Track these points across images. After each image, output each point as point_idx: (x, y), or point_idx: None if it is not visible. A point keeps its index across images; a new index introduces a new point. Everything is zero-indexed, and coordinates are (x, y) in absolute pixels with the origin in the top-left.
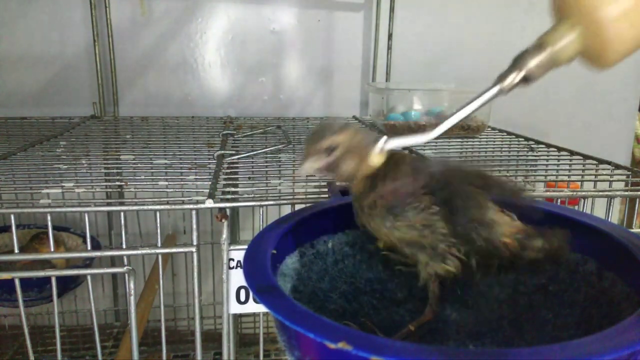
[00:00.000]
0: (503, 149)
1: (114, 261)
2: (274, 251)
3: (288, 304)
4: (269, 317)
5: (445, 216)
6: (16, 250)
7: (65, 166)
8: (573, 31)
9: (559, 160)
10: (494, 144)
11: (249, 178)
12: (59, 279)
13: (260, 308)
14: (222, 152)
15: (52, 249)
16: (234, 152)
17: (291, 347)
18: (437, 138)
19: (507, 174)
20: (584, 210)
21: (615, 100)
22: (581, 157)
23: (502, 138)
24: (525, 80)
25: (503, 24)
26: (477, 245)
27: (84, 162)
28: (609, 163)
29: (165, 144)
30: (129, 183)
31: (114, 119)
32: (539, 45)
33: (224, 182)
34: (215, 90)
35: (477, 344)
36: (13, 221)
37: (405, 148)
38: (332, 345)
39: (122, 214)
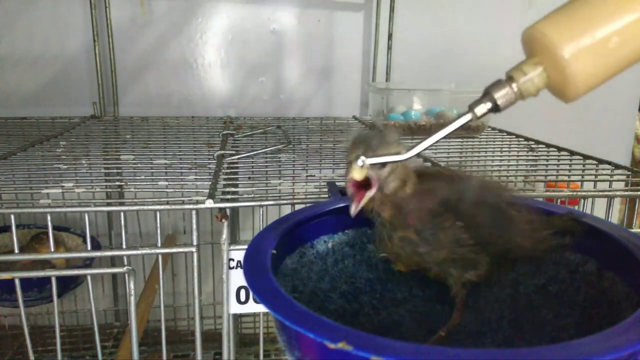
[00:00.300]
0: (503, 149)
1: (114, 261)
2: (274, 251)
3: (288, 304)
4: (269, 317)
5: (468, 226)
6: (16, 250)
7: (65, 166)
8: (537, 68)
9: (559, 160)
10: (494, 144)
11: (249, 178)
12: (59, 279)
13: (260, 308)
14: (222, 152)
15: (52, 249)
16: (234, 152)
17: (291, 347)
18: (438, 141)
19: (507, 174)
20: (584, 210)
21: (615, 100)
22: (581, 157)
23: (502, 138)
24: (495, 109)
25: (503, 24)
26: (499, 246)
27: (84, 162)
28: (609, 163)
29: (165, 144)
30: (129, 183)
31: (114, 119)
32: (508, 79)
33: (224, 182)
34: (215, 90)
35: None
36: (13, 221)
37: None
38: (332, 345)
39: (122, 214)
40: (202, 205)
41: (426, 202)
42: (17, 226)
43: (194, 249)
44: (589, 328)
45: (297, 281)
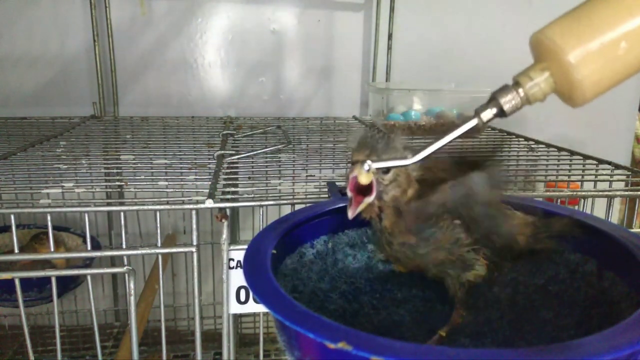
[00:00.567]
0: (503, 149)
1: (114, 261)
2: (274, 251)
3: (288, 304)
4: (269, 317)
5: (466, 226)
6: (16, 250)
7: (65, 166)
8: (544, 73)
9: (559, 160)
10: (494, 144)
11: (249, 178)
12: (59, 279)
13: (260, 308)
14: (222, 152)
15: (52, 249)
16: (234, 152)
17: (291, 347)
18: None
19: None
20: (584, 210)
21: (615, 100)
22: (581, 157)
23: (502, 138)
24: (501, 114)
25: (503, 24)
26: (497, 245)
27: (84, 162)
28: (609, 163)
29: (165, 144)
30: (129, 183)
31: (114, 119)
32: (514, 84)
33: (224, 182)
34: (215, 90)
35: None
36: (13, 221)
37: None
38: (332, 345)
39: (122, 214)
40: (202, 205)
41: (425, 209)
42: (17, 226)
43: (194, 249)
44: (589, 328)
45: (297, 281)
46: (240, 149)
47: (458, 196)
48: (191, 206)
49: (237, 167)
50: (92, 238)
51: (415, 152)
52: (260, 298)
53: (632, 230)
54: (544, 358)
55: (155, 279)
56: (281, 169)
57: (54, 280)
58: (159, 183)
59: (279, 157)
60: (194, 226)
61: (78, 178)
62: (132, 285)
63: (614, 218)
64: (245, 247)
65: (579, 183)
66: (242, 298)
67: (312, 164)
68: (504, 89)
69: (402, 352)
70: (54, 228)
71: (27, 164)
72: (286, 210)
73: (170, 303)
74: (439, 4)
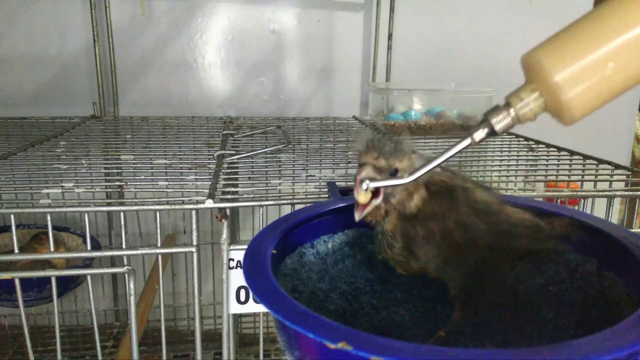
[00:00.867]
0: (503, 149)
1: (114, 261)
2: (274, 251)
3: (288, 304)
4: (269, 317)
5: (466, 226)
6: (16, 250)
7: (65, 166)
8: (533, 94)
9: (559, 160)
10: (493, 144)
11: (249, 178)
12: (59, 279)
13: (260, 308)
14: (222, 152)
15: (52, 249)
16: (234, 152)
17: (291, 347)
18: (437, 140)
19: (507, 174)
20: (584, 210)
21: (615, 101)
22: (581, 157)
23: (502, 138)
24: (492, 134)
25: (503, 24)
26: (498, 247)
27: (84, 162)
28: (609, 163)
29: (165, 144)
30: (129, 183)
31: (114, 119)
32: (505, 105)
33: (224, 182)
34: (215, 90)
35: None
36: (13, 221)
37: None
38: (332, 345)
39: (122, 214)
40: (202, 205)
41: (432, 223)
42: (17, 226)
43: (194, 249)
44: (589, 328)
45: (297, 281)
46: (240, 149)
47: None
48: (191, 206)
49: (237, 167)
50: (92, 238)
51: (422, 157)
52: (260, 298)
53: (632, 230)
54: (544, 358)
55: (155, 279)
56: (281, 169)
57: (54, 280)
58: (159, 183)
59: (279, 157)
60: (194, 226)
61: (78, 178)
62: (132, 285)
63: (614, 218)
64: (245, 247)
65: (579, 183)
66: (242, 298)
67: (312, 164)
68: (496, 110)
69: (402, 352)
70: (54, 228)
71: (27, 164)
72: (286, 210)
73: (170, 303)
74: (439, 4)
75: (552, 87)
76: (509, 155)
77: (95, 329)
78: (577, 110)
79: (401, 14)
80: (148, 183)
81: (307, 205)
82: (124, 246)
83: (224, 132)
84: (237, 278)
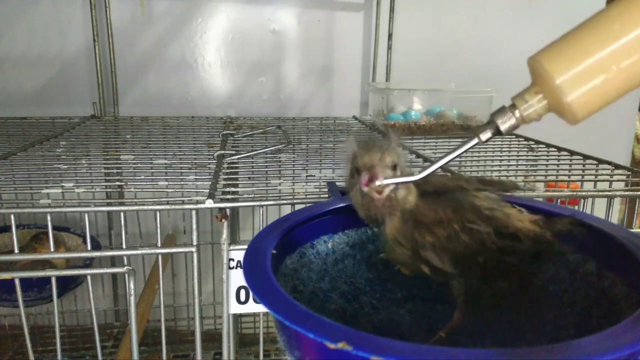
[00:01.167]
0: (503, 149)
1: (114, 261)
2: (274, 251)
3: (288, 304)
4: (269, 317)
5: (469, 229)
6: (16, 250)
7: (65, 166)
8: (537, 96)
9: (559, 160)
10: (493, 144)
11: (249, 178)
12: (59, 279)
13: (260, 308)
14: (222, 152)
15: (52, 249)
16: (234, 152)
17: (291, 347)
18: (437, 140)
19: (507, 174)
20: (584, 210)
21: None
22: (581, 157)
23: (502, 138)
24: (498, 134)
25: (503, 24)
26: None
27: (84, 162)
28: (609, 163)
29: (165, 144)
30: (129, 183)
31: (114, 119)
32: (511, 106)
33: (224, 182)
34: (215, 90)
35: (477, 344)
36: (13, 221)
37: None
38: (332, 345)
39: (122, 214)
40: (202, 205)
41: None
42: (17, 226)
43: (194, 249)
44: (589, 328)
45: (297, 281)
46: (240, 149)
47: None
48: (191, 206)
49: (237, 167)
50: (92, 238)
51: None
52: (260, 298)
53: (632, 230)
54: (544, 358)
55: (155, 279)
56: (281, 169)
57: (54, 280)
58: (159, 183)
59: (279, 157)
60: (194, 226)
61: (78, 178)
62: (132, 285)
63: (614, 218)
64: (245, 247)
65: (579, 183)
66: (242, 298)
67: (312, 164)
68: (501, 111)
69: (402, 352)
70: (54, 228)
71: (27, 164)
72: (286, 210)
73: (170, 303)
74: (439, 4)
75: (554, 90)
76: (509, 155)
77: (95, 329)
78: (579, 111)
79: (401, 14)
80: (148, 183)
81: (307, 205)
82: (124, 246)
83: (224, 132)
84: (237, 278)
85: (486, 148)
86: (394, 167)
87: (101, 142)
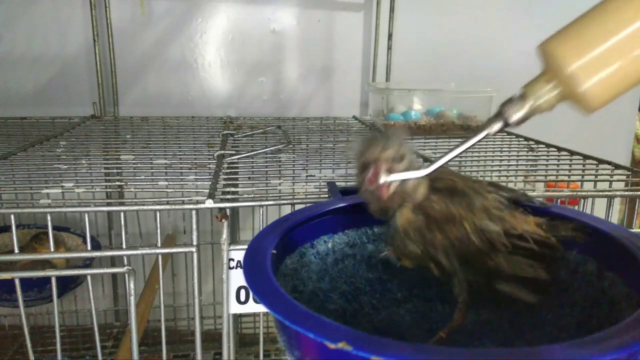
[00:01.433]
0: (503, 149)
1: (114, 261)
2: (274, 251)
3: (288, 304)
4: (269, 317)
5: (476, 229)
6: (16, 250)
7: (65, 166)
8: (549, 84)
9: (559, 160)
10: (493, 144)
11: (249, 178)
12: (59, 279)
13: (260, 308)
14: (222, 152)
15: (52, 249)
16: (234, 152)
17: (291, 347)
18: (437, 140)
19: (507, 174)
20: (584, 210)
21: (616, 101)
22: (581, 157)
23: (502, 138)
24: (508, 126)
25: (503, 24)
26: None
27: (84, 162)
28: (609, 163)
29: (165, 144)
30: (129, 183)
31: (114, 119)
32: (522, 96)
33: (224, 182)
34: (215, 90)
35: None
36: (13, 221)
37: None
38: (332, 345)
39: (122, 214)
40: (202, 205)
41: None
42: (17, 226)
43: (194, 249)
44: (589, 328)
45: (297, 281)
46: (240, 149)
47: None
48: (191, 206)
49: (237, 167)
50: (92, 238)
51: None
52: (260, 298)
53: (632, 230)
54: (544, 358)
55: (155, 279)
56: (281, 169)
57: (54, 280)
58: (159, 183)
59: (279, 157)
60: (194, 226)
61: (78, 178)
62: (132, 285)
63: (614, 218)
64: (245, 247)
65: (579, 183)
66: (242, 298)
67: (312, 164)
68: (510, 101)
69: (402, 352)
70: (54, 228)
71: (27, 164)
72: (286, 210)
73: (170, 303)
74: (439, 4)
75: (567, 78)
76: (509, 155)
77: (95, 329)
78: (594, 100)
79: (401, 14)
80: (148, 183)
81: (307, 205)
82: (124, 246)
83: (224, 132)
84: (237, 278)
85: (486, 148)
86: (401, 159)
87: (101, 142)
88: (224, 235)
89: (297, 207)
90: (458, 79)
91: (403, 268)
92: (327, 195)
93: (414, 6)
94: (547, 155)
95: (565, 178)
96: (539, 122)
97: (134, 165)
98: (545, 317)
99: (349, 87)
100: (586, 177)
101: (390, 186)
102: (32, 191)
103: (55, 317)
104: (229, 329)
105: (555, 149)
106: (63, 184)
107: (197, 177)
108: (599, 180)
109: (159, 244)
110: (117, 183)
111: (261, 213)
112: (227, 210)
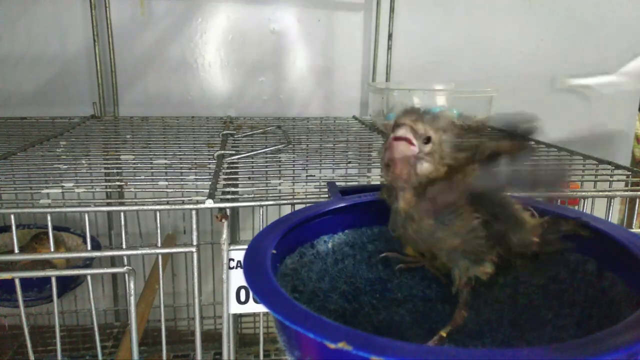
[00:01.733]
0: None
1: (114, 261)
2: (274, 251)
3: (288, 304)
4: (269, 317)
5: (484, 221)
6: (16, 250)
7: (65, 166)
8: None
9: (559, 160)
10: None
11: (249, 178)
12: (59, 279)
13: (260, 308)
14: (222, 152)
15: (52, 249)
16: (234, 152)
17: (291, 347)
18: None
19: None
20: (584, 210)
21: (616, 101)
22: (581, 157)
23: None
24: None
25: (503, 24)
26: (511, 248)
27: (84, 162)
28: (609, 163)
29: (165, 144)
30: (129, 183)
31: (114, 119)
32: None
33: (224, 182)
34: (215, 90)
35: (477, 344)
36: (13, 221)
37: None
38: (332, 345)
39: (122, 214)
40: (202, 205)
41: (447, 194)
42: (17, 226)
43: (194, 249)
44: (589, 328)
45: (297, 281)
46: (240, 149)
47: (480, 191)
48: (191, 206)
49: (237, 167)
50: (92, 238)
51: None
52: (260, 298)
53: (632, 230)
54: (544, 358)
55: (155, 279)
56: (281, 169)
57: (54, 280)
58: (159, 183)
59: (279, 157)
60: (194, 226)
61: (78, 178)
62: (132, 285)
63: (614, 218)
64: (245, 247)
65: (579, 183)
66: (242, 298)
67: (312, 164)
68: None
69: (402, 352)
70: (54, 228)
71: (27, 164)
72: (286, 210)
73: (170, 303)
74: (439, 4)
75: None
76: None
77: (95, 329)
78: None
79: (401, 14)
80: (148, 183)
81: (307, 205)
82: (124, 246)
83: (224, 132)
84: (237, 278)
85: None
86: (427, 141)
87: (101, 142)
88: (224, 235)
89: (297, 207)
90: (458, 79)
91: (403, 268)
92: (327, 195)
93: (414, 6)
94: (547, 156)
95: None
96: (538, 122)
97: (134, 165)
98: (545, 317)
99: (349, 87)
100: (586, 177)
101: (412, 142)
102: (32, 191)
103: (55, 317)
104: (229, 329)
105: (555, 149)
106: (63, 184)
107: (197, 177)
108: (599, 181)
109: (159, 244)
110: (117, 183)
111: (261, 213)
112: (227, 210)
